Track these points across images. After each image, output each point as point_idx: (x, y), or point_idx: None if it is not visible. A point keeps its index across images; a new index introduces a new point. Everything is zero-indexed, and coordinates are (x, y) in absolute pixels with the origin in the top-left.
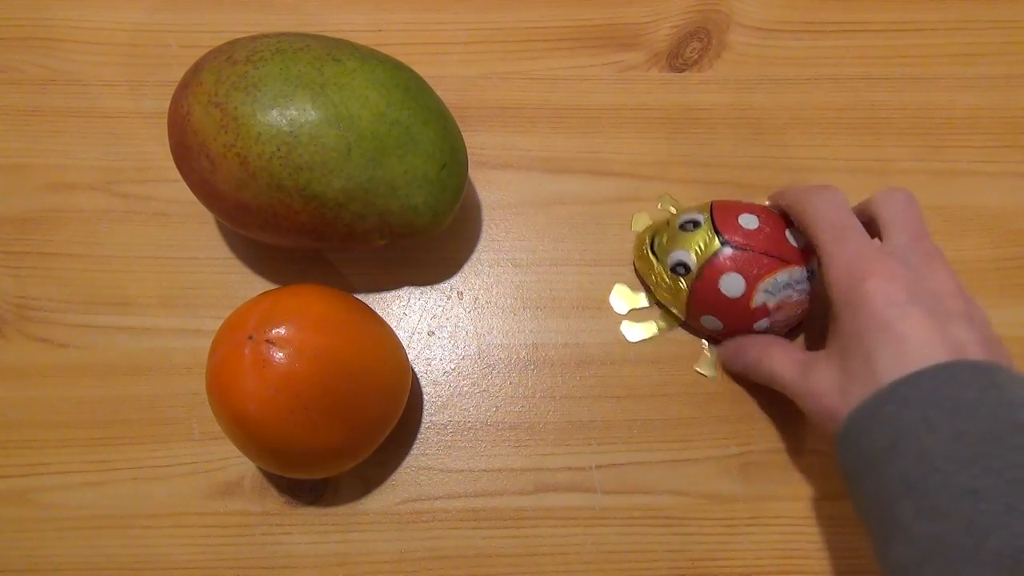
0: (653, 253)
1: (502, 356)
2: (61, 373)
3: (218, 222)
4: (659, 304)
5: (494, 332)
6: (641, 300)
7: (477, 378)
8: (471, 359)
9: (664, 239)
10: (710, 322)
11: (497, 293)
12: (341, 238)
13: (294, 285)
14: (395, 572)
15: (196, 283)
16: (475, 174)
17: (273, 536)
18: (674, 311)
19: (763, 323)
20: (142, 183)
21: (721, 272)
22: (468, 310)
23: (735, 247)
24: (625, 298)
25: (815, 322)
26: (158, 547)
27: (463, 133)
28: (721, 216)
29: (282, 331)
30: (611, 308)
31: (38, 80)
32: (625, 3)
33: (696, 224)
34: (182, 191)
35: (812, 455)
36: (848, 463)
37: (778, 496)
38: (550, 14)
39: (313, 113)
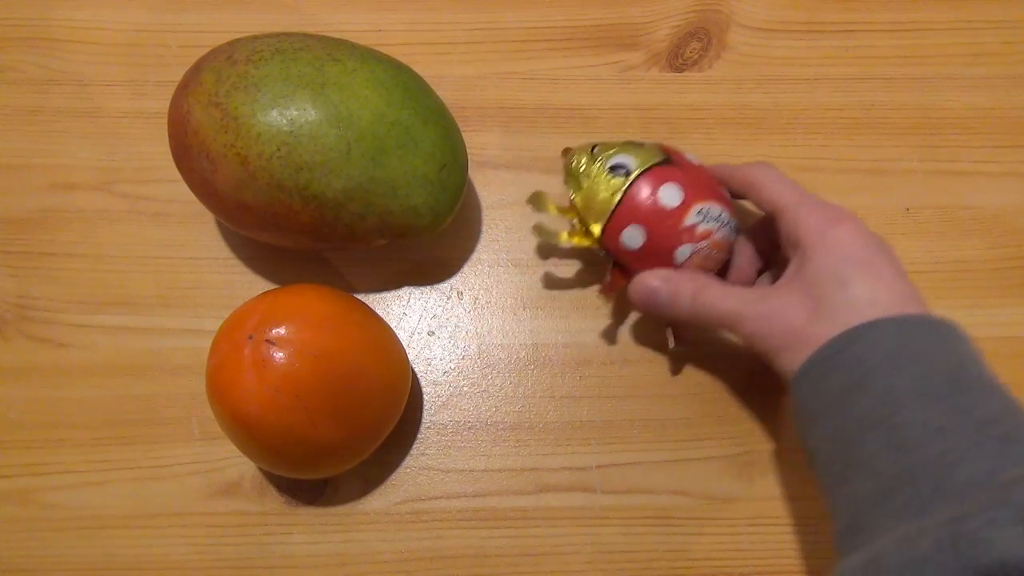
0: (591, 154)
1: (502, 356)
2: (61, 373)
3: (218, 222)
4: (580, 218)
5: (494, 332)
6: (556, 223)
7: (477, 378)
8: (471, 359)
9: (606, 149)
10: (631, 237)
11: (497, 293)
12: (341, 238)
13: (294, 285)
14: (395, 572)
15: (196, 283)
16: (475, 174)
17: (273, 536)
18: (594, 224)
19: (685, 249)
20: (142, 183)
21: (663, 180)
22: (468, 310)
23: (679, 167)
24: (546, 206)
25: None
26: (158, 547)
27: (463, 133)
28: (669, 147)
29: (282, 331)
30: (611, 308)
31: (38, 80)
32: (625, 3)
33: (642, 145)
34: (182, 191)
35: None
36: (808, 400)
37: (778, 496)
38: (550, 14)
39: (313, 113)
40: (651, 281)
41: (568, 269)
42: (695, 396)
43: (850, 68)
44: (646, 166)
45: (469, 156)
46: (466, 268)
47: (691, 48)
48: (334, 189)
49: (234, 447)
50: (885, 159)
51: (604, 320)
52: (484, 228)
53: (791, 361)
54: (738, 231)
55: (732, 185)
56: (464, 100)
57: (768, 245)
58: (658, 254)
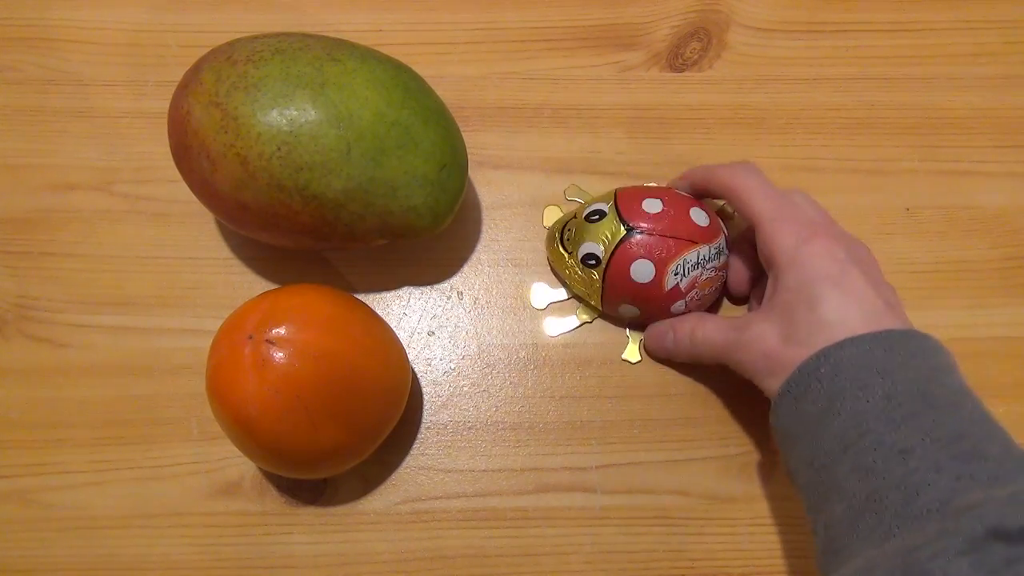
0: (564, 248)
1: (502, 356)
2: (61, 373)
3: (218, 222)
4: (578, 297)
5: (494, 332)
6: (560, 294)
7: (477, 378)
8: (471, 359)
9: (573, 232)
10: (627, 310)
11: (497, 293)
12: (341, 238)
13: (294, 285)
14: (395, 572)
15: (196, 283)
16: (475, 174)
17: (273, 536)
18: (591, 303)
19: (679, 305)
20: (142, 183)
21: (630, 259)
22: (468, 310)
23: (641, 232)
24: (543, 293)
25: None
26: (158, 547)
27: (463, 133)
28: (625, 203)
29: (282, 331)
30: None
31: (38, 80)
32: (625, 3)
33: (601, 214)
34: (182, 191)
35: None
36: (786, 424)
37: (778, 496)
38: (550, 14)
39: (313, 113)
40: (647, 340)
41: (555, 302)
42: (695, 396)
43: (850, 68)
44: (612, 248)
45: (469, 156)
46: (466, 268)
47: (691, 48)
48: (334, 189)
49: (234, 447)
50: (885, 159)
51: (604, 320)
52: (484, 228)
53: (771, 387)
54: (722, 253)
55: (711, 191)
56: (464, 100)
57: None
58: (656, 316)
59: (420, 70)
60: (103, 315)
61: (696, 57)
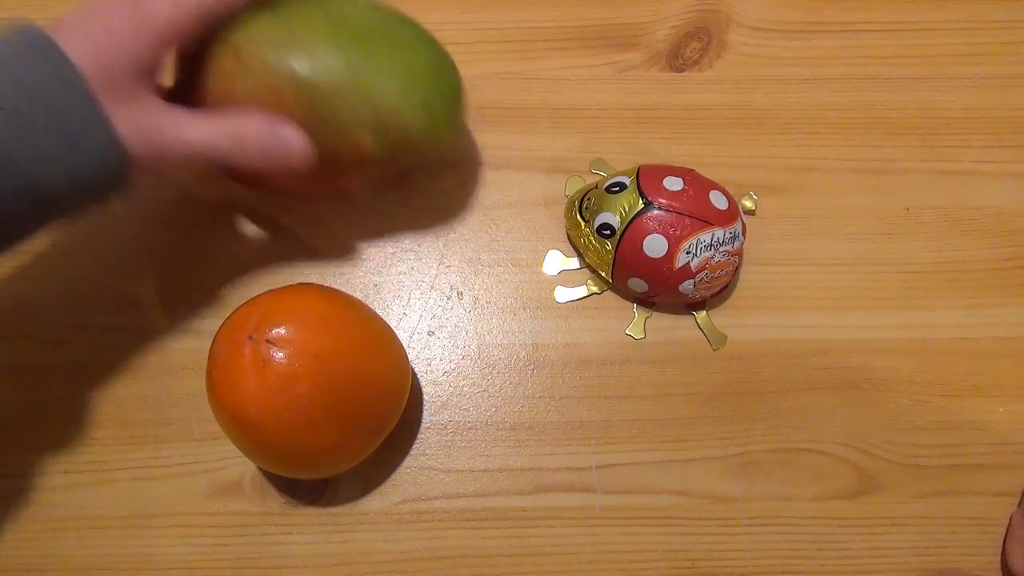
0: (582, 216)
1: (502, 356)
2: (61, 373)
3: (219, 222)
4: (590, 268)
5: (494, 332)
6: (573, 263)
7: (477, 378)
8: (471, 359)
9: (592, 202)
10: (636, 284)
11: (497, 293)
12: (335, 146)
13: (294, 285)
14: (395, 572)
15: (196, 283)
16: (475, 174)
17: (273, 536)
18: (602, 274)
19: (688, 284)
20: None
21: (644, 233)
22: (468, 310)
23: (658, 208)
24: (558, 261)
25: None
26: (158, 547)
27: (463, 133)
28: (646, 179)
29: (282, 331)
30: (611, 308)
31: None
32: (625, 3)
33: (622, 187)
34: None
35: (812, 455)
36: None
37: (778, 496)
38: (550, 14)
39: (303, 8)
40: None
41: (567, 270)
42: (695, 396)
43: (850, 68)
44: (628, 220)
45: (469, 156)
46: (466, 268)
47: (691, 48)
48: (327, 70)
49: (234, 447)
50: (885, 159)
51: (604, 320)
52: (484, 228)
53: None
54: (736, 239)
55: None
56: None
57: None
58: (664, 293)
59: None
60: (103, 315)
61: (696, 57)
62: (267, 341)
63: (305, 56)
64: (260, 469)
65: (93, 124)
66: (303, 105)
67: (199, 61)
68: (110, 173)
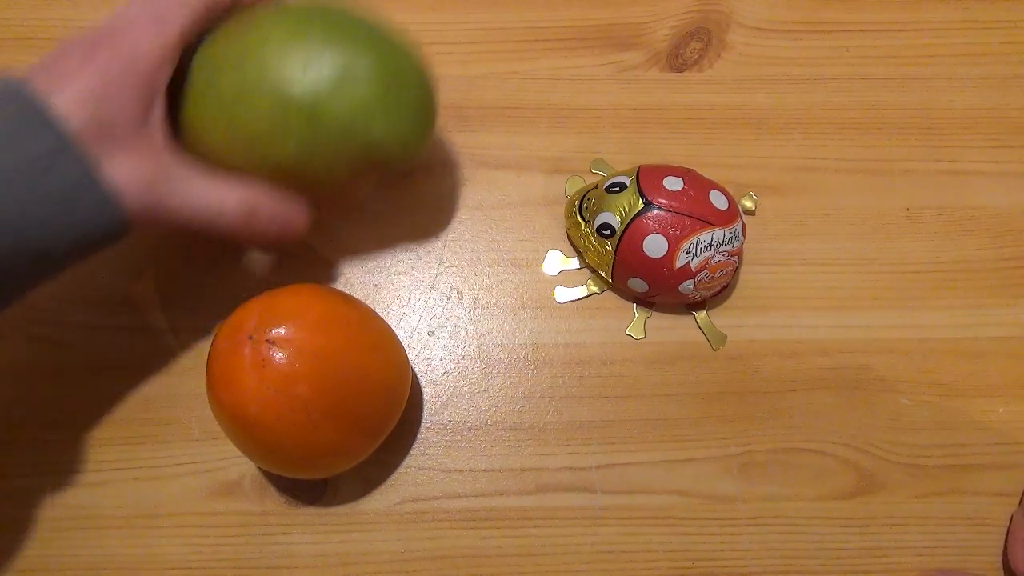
0: (582, 216)
1: (502, 356)
2: (61, 373)
3: None
4: (590, 268)
5: (494, 332)
6: (573, 263)
7: (477, 378)
8: (471, 359)
9: (592, 202)
10: (636, 284)
11: (497, 293)
12: (330, 194)
13: (294, 285)
14: (395, 572)
15: (196, 283)
16: (475, 174)
17: (273, 536)
18: (602, 274)
19: (688, 284)
20: None
21: (644, 233)
22: (468, 310)
23: (658, 208)
24: (558, 261)
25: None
26: (158, 547)
27: (463, 133)
28: (646, 179)
29: (282, 331)
30: (611, 308)
31: None
32: (625, 3)
33: (622, 187)
34: None
35: (812, 455)
36: None
37: (778, 496)
38: (550, 14)
39: (237, 86)
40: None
41: (567, 270)
42: (695, 396)
43: (850, 68)
44: (628, 220)
45: (469, 156)
46: (466, 268)
47: (691, 48)
48: (289, 155)
49: (234, 447)
50: (885, 159)
51: (604, 320)
52: (484, 228)
53: None
54: (736, 239)
55: None
56: (464, 100)
57: None
58: (664, 293)
59: None
60: (103, 315)
61: (696, 57)
62: (267, 341)
63: (260, 141)
64: (260, 469)
65: (86, 187)
66: (284, 179)
67: (174, 97)
68: (108, 231)
